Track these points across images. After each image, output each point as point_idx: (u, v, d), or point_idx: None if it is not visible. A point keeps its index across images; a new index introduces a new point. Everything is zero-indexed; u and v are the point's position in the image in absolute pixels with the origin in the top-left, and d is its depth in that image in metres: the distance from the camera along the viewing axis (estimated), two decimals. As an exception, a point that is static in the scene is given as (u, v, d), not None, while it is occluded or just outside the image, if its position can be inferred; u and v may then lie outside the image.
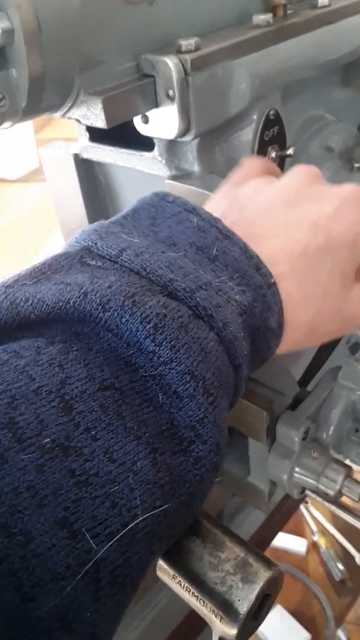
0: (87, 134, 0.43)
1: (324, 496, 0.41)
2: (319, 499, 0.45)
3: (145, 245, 0.24)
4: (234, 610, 0.18)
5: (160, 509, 0.19)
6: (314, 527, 1.26)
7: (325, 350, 0.49)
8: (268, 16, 0.37)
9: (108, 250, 0.24)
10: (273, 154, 0.40)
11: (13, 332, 0.22)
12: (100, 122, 0.32)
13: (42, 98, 0.31)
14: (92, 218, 0.48)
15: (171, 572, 0.20)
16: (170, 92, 0.33)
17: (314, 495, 0.43)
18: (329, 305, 0.28)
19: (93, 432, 0.18)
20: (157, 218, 0.27)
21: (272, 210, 0.29)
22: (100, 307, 0.21)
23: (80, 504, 0.17)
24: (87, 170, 0.46)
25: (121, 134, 0.40)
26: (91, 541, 0.17)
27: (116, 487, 0.18)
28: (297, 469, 0.41)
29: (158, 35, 0.35)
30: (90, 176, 0.47)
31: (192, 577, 0.19)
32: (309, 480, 0.40)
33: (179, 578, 0.20)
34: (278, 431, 0.40)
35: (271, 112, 0.39)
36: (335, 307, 0.28)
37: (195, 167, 0.39)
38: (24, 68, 0.29)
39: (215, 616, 0.18)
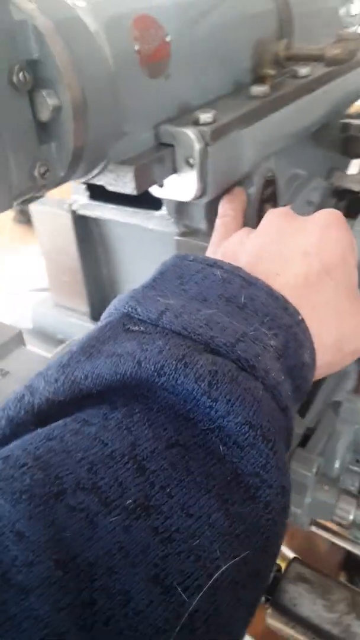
0: (88, 192, 0.44)
1: (337, 526, 0.44)
2: (319, 531, 0.47)
3: (181, 305, 0.25)
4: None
5: (240, 557, 0.20)
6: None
7: (316, 382, 0.52)
8: (264, 88, 0.41)
9: (148, 315, 0.25)
10: (270, 207, 0.43)
11: (77, 406, 0.23)
12: (129, 189, 0.34)
13: (78, 169, 0.32)
14: (86, 270, 0.49)
15: (284, 618, 0.21)
16: (191, 160, 0.35)
17: (314, 528, 0.46)
18: (346, 322, 0.30)
19: (168, 490, 0.19)
20: (183, 277, 0.28)
21: (264, 253, 0.31)
22: (155, 374, 0.22)
23: (167, 560, 0.18)
24: (83, 226, 0.47)
25: (120, 193, 0.42)
26: (183, 594, 0.18)
27: (197, 541, 0.19)
28: (310, 503, 0.43)
29: (173, 106, 0.37)
30: (86, 231, 0.47)
31: (308, 621, 0.20)
32: (322, 512, 0.43)
33: (293, 623, 0.21)
34: (292, 468, 0.42)
35: (269, 174, 0.42)
36: (352, 322, 0.30)
37: (203, 225, 0.41)
38: (69, 142, 0.30)
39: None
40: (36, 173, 0.29)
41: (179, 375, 0.21)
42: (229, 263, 0.28)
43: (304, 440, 0.44)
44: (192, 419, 0.22)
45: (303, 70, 0.45)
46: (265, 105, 0.40)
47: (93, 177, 0.35)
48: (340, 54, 0.40)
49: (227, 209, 0.38)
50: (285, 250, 0.31)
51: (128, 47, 0.32)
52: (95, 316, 0.51)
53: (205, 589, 0.18)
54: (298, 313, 0.27)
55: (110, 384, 0.22)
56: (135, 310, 0.25)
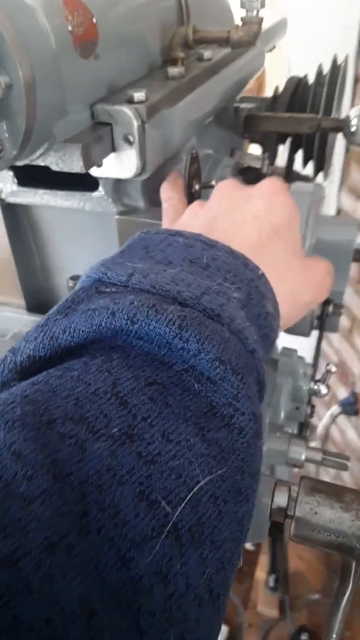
0: (15, 179, 0.43)
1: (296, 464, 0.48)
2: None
3: (148, 268, 0.28)
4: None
5: (217, 474, 0.22)
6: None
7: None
8: (181, 69, 0.43)
9: (118, 278, 0.27)
10: (197, 187, 0.45)
11: (57, 361, 0.25)
12: (77, 168, 0.34)
13: (27, 147, 0.32)
14: (18, 259, 0.48)
15: (309, 527, 0.24)
16: (130, 138, 0.37)
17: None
18: (297, 277, 0.34)
19: (149, 420, 0.21)
20: (149, 247, 0.30)
21: (218, 223, 0.34)
22: (129, 321, 0.24)
23: (151, 478, 0.20)
24: (12, 215, 0.46)
25: (50, 177, 0.42)
26: (167, 507, 0.20)
27: (178, 462, 0.21)
28: (267, 453, 0.46)
29: (103, 86, 0.38)
30: (14, 220, 0.47)
31: (330, 525, 0.23)
32: (279, 458, 0.47)
33: (318, 529, 0.23)
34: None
35: (193, 152, 0.44)
36: (302, 278, 0.34)
37: (141, 202, 0.42)
38: (21, 120, 0.30)
39: None
40: (-7, 152, 0.29)
41: (151, 321, 0.23)
42: (189, 231, 0.31)
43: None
44: (167, 363, 0.24)
45: (207, 53, 0.48)
46: (182, 85, 0.43)
47: (37, 157, 0.35)
48: (244, 36, 0.44)
49: (170, 193, 0.41)
50: (236, 217, 0.34)
51: (63, 25, 0.33)
52: (30, 308, 0.50)
53: (186, 501, 0.20)
54: (258, 268, 0.30)
55: (86, 336, 0.24)
56: (106, 274, 0.27)
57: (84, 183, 0.42)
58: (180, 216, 0.38)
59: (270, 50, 0.74)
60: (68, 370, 0.23)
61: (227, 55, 0.52)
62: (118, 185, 0.42)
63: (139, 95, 0.37)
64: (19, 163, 0.35)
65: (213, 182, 0.46)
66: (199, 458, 0.22)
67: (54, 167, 0.35)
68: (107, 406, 0.21)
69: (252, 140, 0.67)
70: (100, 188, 0.42)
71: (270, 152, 0.65)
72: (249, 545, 1.29)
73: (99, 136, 0.36)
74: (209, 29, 0.47)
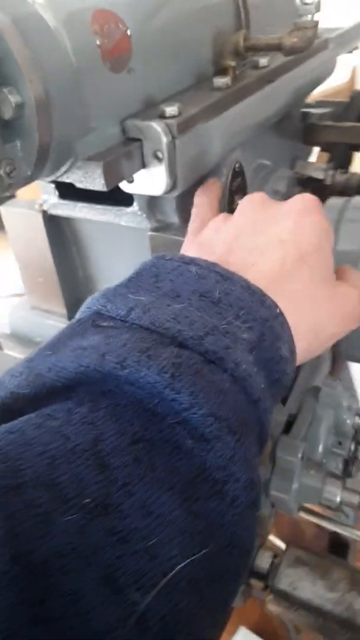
0: (57, 192, 0.44)
1: (325, 508, 0.44)
2: (307, 516, 0.48)
3: (151, 302, 0.25)
4: (357, 625, 0.20)
5: (200, 554, 0.19)
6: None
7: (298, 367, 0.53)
8: (226, 79, 0.41)
9: (117, 311, 0.25)
10: (239, 202, 0.43)
11: (42, 401, 0.23)
12: (99, 186, 0.33)
13: (45, 166, 0.31)
14: (60, 271, 0.48)
15: (286, 603, 0.21)
16: (159, 154, 0.35)
17: (302, 514, 0.46)
18: (322, 308, 0.30)
19: (129, 487, 0.19)
20: (159, 275, 0.28)
21: (240, 243, 0.31)
22: (118, 366, 0.22)
23: (121, 560, 0.18)
24: (55, 226, 0.47)
25: (90, 191, 0.42)
26: (135, 594, 0.17)
27: (154, 540, 0.19)
28: (299, 489, 0.43)
29: (137, 100, 0.37)
30: (58, 231, 0.47)
31: (310, 603, 0.21)
32: (310, 496, 0.43)
33: (295, 606, 0.21)
34: (278, 455, 0.43)
35: (237, 165, 0.42)
36: (327, 308, 0.31)
37: (175, 219, 0.41)
38: (33, 139, 0.29)
39: (340, 635, 0.20)
40: (2, 172, 0.29)
41: (142, 368, 0.21)
42: (205, 260, 0.28)
43: (288, 427, 0.44)
44: (159, 414, 0.22)
45: (263, 61, 0.46)
46: (229, 96, 0.41)
47: (61, 174, 0.34)
48: (297, 42, 0.41)
49: (201, 199, 0.39)
50: (260, 239, 0.31)
51: (89, 41, 0.32)
52: (72, 317, 0.51)
53: (159, 587, 0.18)
54: (276, 306, 0.27)
55: (73, 377, 0.22)
56: (105, 307, 0.25)
57: (122, 198, 0.42)
58: (207, 225, 0.35)
59: (351, 51, 0.69)
60: (49, 418, 0.21)
61: (289, 61, 0.49)
62: (152, 201, 0.40)
63: (171, 109, 0.35)
64: (45, 180, 0.35)
65: (256, 198, 0.43)
66: (179, 535, 0.19)
67: (78, 185, 0.34)
68: (84, 468, 0.19)
69: (321, 148, 0.63)
70: (135, 203, 0.41)
71: (339, 160, 0.61)
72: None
73: (127, 152, 0.35)
74: (265, 34, 0.45)
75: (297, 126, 0.56)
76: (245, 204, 0.34)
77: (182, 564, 0.19)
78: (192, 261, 0.28)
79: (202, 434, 0.21)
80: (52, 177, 0.35)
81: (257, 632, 1.13)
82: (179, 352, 0.23)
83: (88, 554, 0.17)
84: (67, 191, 0.44)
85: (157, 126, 0.35)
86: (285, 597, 0.22)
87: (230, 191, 0.42)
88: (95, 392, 0.22)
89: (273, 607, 0.22)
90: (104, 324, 0.25)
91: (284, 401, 0.52)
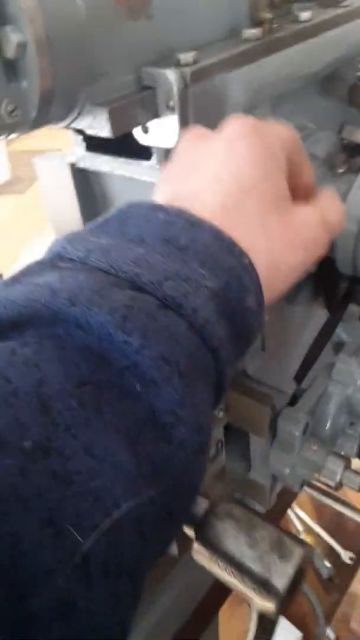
0: (84, 144, 0.44)
1: (324, 487, 0.43)
2: (314, 493, 0.47)
3: (112, 245, 0.25)
4: (272, 586, 0.19)
5: (145, 496, 0.19)
6: (299, 526, 1.28)
7: (318, 347, 0.51)
8: (257, 31, 0.39)
9: (77, 253, 0.25)
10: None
11: None
12: (105, 132, 0.33)
13: (51, 109, 0.32)
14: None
15: (208, 553, 0.21)
16: (171, 103, 0.35)
17: (310, 490, 0.45)
18: (278, 240, 0.28)
19: (73, 431, 0.19)
20: (126, 221, 0.27)
21: (176, 190, 0.30)
22: (68, 303, 0.21)
23: (63, 502, 0.17)
24: (83, 180, 0.47)
25: (119, 144, 0.42)
26: (77, 535, 0.17)
27: (98, 482, 0.18)
28: (298, 463, 0.42)
29: (155, 49, 0.36)
30: (86, 185, 0.48)
31: (230, 557, 0.20)
32: (310, 473, 0.42)
33: (216, 559, 0.21)
34: (279, 426, 0.42)
35: (263, 121, 0.41)
36: (284, 238, 0.28)
37: (192, 174, 0.40)
38: (36, 80, 0.30)
39: (256, 592, 0.19)
40: (2, 111, 0.29)
41: (92, 306, 0.21)
42: (175, 207, 0.27)
43: (294, 400, 0.43)
44: (107, 358, 0.21)
45: (305, 15, 0.43)
46: (258, 48, 0.39)
47: (73, 120, 0.35)
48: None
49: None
50: (193, 182, 0.29)
51: (101, -16, 0.32)
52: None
53: (101, 528, 0.18)
54: (245, 256, 0.26)
55: (21, 312, 0.22)
56: (65, 249, 0.25)
57: (145, 152, 0.41)
58: None
59: None
60: None
61: (336, 17, 0.46)
62: (168, 155, 0.40)
63: (185, 57, 0.35)
64: (57, 126, 0.36)
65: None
66: (124, 477, 0.19)
67: (88, 131, 0.35)
68: (25, 411, 0.19)
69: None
70: (153, 157, 0.41)
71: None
72: (347, 559, 1.20)
73: (138, 100, 0.35)
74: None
75: (344, 88, 0.52)
76: (179, 144, 0.32)
77: (125, 506, 0.19)
78: (160, 207, 0.27)
79: (151, 377, 0.21)
80: (64, 123, 0.35)
81: (285, 614, 1.13)
82: (134, 294, 0.22)
83: (28, 497, 0.17)
84: (94, 143, 0.44)
85: (169, 74, 0.34)
86: (209, 547, 0.21)
87: (255, 149, 0.41)
88: (42, 335, 0.22)
89: (198, 556, 0.22)
90: (63, 264, 0.25)
91: (300, 378, 0.51)
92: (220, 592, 0.54)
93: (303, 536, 1.27)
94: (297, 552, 0.19)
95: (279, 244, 0.28)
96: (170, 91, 0.34)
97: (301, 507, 1.30)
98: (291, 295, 0.54)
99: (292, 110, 0.47)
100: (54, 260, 0.25)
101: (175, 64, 0.35)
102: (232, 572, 0.20)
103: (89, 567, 0.17)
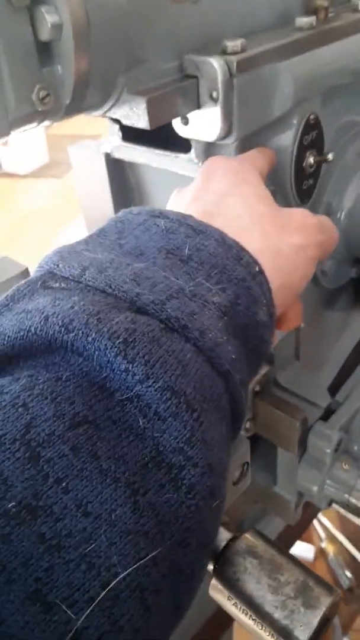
0: (120, 134, 0.42)
1: (355, 509, 0.41)
2: (342, 510, 0.44)
3: (109, 260, 0.23)
4: (294, 636, 0.17)
5: (147, 558, 0.17)
6: (322, 534, 1.26)
7: (356, 357, 0.48)
8: (311, 19, 0.36)
9: (70, 271, 0.22)
10: (311, 159, 0.39)
11: None
12: (142, 123, 0.32)
13: (86, 96, 0.30)
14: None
15: (227, 593, 0.19)
16: (214, 94, 0.32)
17: (337, 507, 0.43)
18: (269, 223, 0.27)
19: (64, 484, 0.17)
20: (124, 231, 0.25)
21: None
22: (63, 329, 0.19)
23: (53, 572, 0.15)
24: (118, 170, 0.46)
25: (156, 135, 0.40)
26: (68, 611, 0.15)
27: (92, 546, 0.16)
28: (328, 481, 0.40)
29: (200, 35, 0.34)
30: (121, 176, 0.46)
31: (250, 600, 0.18)
32: (340, 492, 0.40)
33: (234, 600, 0.19)
34: (310, 442, 0.39)
35: (311, 117, 0.38)
36: (277, 223, 0.28)
37: (233, 171, 0.38)
38: (71, 64, 0.28)
39: (274, 640, 0.18)
40: (34, 97, 0.28)
41: (90, 331, 0.19)
42: (176, 212, 0.25)
43: (327, 415, 0.41)
44: (107, 389, 0.19)
45: (365, 2, 0.40)
46: (311, 38, 0.36)
47: (109, 109, 0.33)
48: None
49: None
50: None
51: None
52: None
53: (97, 601, 0.16)
54: (255, 263, 0.24)
55: (14, 344, 0.20)
56: (57, 266, 0.23)
57: (183, 144, 0.39)
58: None
59: None
60: None
61: None
62: (209, 149, 0.38)
63: (233, 45, 0.32)
64: (92, 115, 0.34)
65: (329, 157, 0.39)
66: (122, 538, 0.17)
67: (125, 121, 0.33)
68: (10, 463, 0.16)
69: None
70: (192, 150, 0.38)
71: None
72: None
73: (179, 89, 0.32)
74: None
75: None
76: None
77: (124, 573, 0.16)
78: (161, 214, 0.25)
79: (157, 411, 0.19)
80: (100, 112, 0.33)
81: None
82: (135, 317, 0.20)
83: (14, 566, 0.15)
84: (131, 134, 0.42)
85: (214, 62, 0.32)
86: (227, 586, 0.19)
87: (301, 146, 0.38)
88: (36, 365, 0.20)
89: (213, 593, 0.20)
90: (55, 285, 0.22)
91: (335, 390, 0.48)
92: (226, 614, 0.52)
93: (325, 544, 1.24)
94: (324, 602, 0.17)
95: (273, 230, 0.27)
96: (214, 81, 0.32)
97: (325, 515, 1.27)
98: (329, 301, 0.51)
99: (344, 106, 0.44)
100: (46, 280, 0.23)
101: (221, 51, 0.33)
102: (251, 616, 0.18)
103: None
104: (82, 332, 0.19)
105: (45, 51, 0.28)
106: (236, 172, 0.30)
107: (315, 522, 1.26)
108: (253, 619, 0.18)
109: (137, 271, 0.22)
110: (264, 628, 0.18)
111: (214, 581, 0.20)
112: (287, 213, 0.29)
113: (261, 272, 0.24)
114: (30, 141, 3.15)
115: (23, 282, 0.23)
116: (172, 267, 0.23)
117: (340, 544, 1.22)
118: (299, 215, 0.29)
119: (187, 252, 0.23)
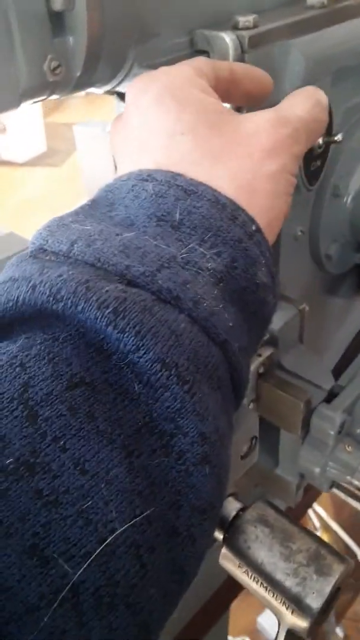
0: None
1: (356, 491, 0.41)
2: (342, 494, 0.44)
3: (98, 232, 0.22)
4: (306, 603, 0.17)
5: (142, 516, 0.17)
6: (316, 523, 1.27)
7: (358, 344, 0.48)
8: (324, -4, 0.36)
9: (59, 246, 0.22)
10: (320, 140, 0.39)
11: None
12: (153, 97, 0.31)
13: (97, 68, 0.30)
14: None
15: (237, 561, 0.19)
16: (226, 70, 0.32)
17: (337, 491, 0.43)
18: (230, 157, 0.24)
19: (62, 442, 0.17)
20: (114, 203, 0.24)
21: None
22: (51, 298, 0.19)
23: (50, 527, 0.16)
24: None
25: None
26: (65, 565, 0.15)
27: (89, 503, 0.16)
28: (330, 463, 0.40)
29: (212, 10, 0.33)
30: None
31: (262, 568, 0.18)
32: (342, 474, 0.40)
33: (245, 567, 0.19)
34: (313, 424, 0.39)
35: (321, 97, 0.38)
36: (238, 152, 0.25)
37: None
38: (83, 36, 0.28)
39: (287, 608, 0.18)
40: (45, 67, 0.27)
41: (79, 300, 0.18)
42: (165, 172, 0.24)
43: (330, 397, 0.41)
44: (105, 351, 0.19)
45: (377, -18, 0.40)
46: (322, 16, 0.36)
47: (119, 83, 0.33)
48: None
49: None
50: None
51: None
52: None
53: (94, 556, 0.16)
54: (252, 222, 0.23)
55: (4, 314, 0.20)
56: (47, 241, 0.22)
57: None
58: None
59: None
60: None
61: None
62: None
63: (245, 20, 0.32)
64: (102, 89, 0.34)
65: (337, 137, 0.38)
66: (119, 495, 0.17)
67: (134, 96, 0.32)
68: (9, 421, 0.17)
69: None
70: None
71: None
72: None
73: (190, 65, 0.32)
74: None
75: None
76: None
77: (121, 529, 0.17)
78: (149, 176, 0.24)
79: (149, 380, 0.19)
80: (109, 86, 0.33)
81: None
82: (126, 288, 0.20)
83: (12, 521, 0.15)
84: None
85: (226, 37, 0.31)
86: (239, 555, 0.19)
87: (310, 127, 0.38)
88: (33, 327, 0.20)
89: (225, 562, 0.20)
90: (46, 258, 0.22)
91: (339, 373, 0.48)
92: (234, 585, 0.53)
93: (320, 533, 1.25)
94: (337, 569, 0.18)
95: (239, 167, 0.24)
96: (226, 56, 0.32)
97: (320, 504, 1.28)
98: (334, 286, 0.51)
99: (354, 88, 0.44)
100: (36, 254, 0.22)
101: (232, 27, 0.32)
102: (263, 584, 0.18)
103: (78, 600, 0.16)
104: (71, 302, 0.19)
105: (57, 21, 0.27)
106: (173, 94, 0.26)
107: (310, 511, 1.27)
108: (264, 587, 0.18)
109: (126, 242, 0.21)
110: (275, 595, 0.18)
111: (224, 550, 0.20)
112: (251, 134, 0.25)
113: (258, 230, 0.23)
114: (28, 129, 3.13)
115: (13, 258, 0.23)
116: (163, 234, 0.22)
117: (335, 533, 1.23)
118: (265, 132, 0.25)
119: (179, 217, 0.22)
